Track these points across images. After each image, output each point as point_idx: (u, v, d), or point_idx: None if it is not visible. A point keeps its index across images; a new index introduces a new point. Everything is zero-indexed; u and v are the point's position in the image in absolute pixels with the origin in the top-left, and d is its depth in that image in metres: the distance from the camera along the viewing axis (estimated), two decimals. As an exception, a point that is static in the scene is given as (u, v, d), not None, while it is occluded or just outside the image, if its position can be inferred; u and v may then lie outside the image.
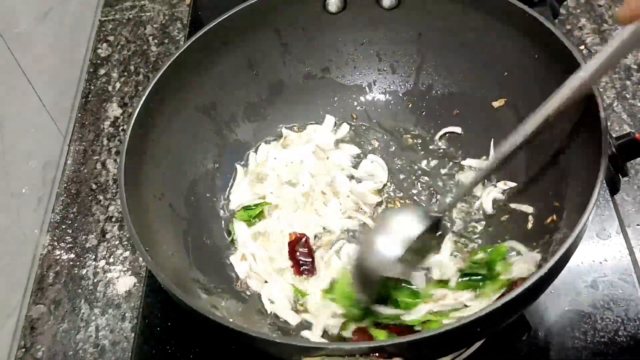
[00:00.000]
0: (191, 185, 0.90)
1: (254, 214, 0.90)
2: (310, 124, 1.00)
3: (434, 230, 0.77)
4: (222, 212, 0.92)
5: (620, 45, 0.62)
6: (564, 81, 0.77)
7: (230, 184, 0.95)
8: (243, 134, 0.97)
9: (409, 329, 0.75)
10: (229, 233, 0.90)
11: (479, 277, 0.78)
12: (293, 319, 0.81)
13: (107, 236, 1.03)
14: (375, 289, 0.77)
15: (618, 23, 0.61)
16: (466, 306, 0.76)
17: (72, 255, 1.02)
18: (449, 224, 0.87)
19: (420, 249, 0.76)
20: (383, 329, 0.75)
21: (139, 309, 0.92)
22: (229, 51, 0.92)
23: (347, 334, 0.77)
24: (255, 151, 0.98)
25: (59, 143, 1.15)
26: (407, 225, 0.74)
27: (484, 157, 0.92)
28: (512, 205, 0.85)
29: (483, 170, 0.77)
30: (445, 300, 0.77)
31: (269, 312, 0.82)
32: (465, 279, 0.79)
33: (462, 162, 0.93)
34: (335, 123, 1.00)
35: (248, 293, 0.85)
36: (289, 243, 0.86)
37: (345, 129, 1.00)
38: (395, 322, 0.76)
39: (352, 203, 0.92)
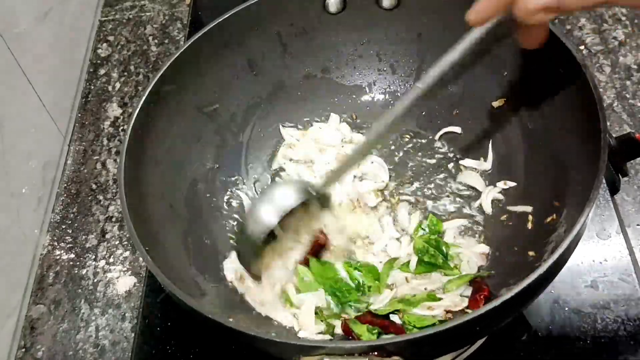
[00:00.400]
0: (191, 185, 0.90)
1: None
2: (316, 121, 1.00)
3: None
4: (222, 212, 0.92)
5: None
6: (563, 81, 0.78)
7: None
8: (243, 134, 0.97)
9: (386, 320, 0.77)
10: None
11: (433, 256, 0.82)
12: (285, 320, 0.80)
13: (107, 236, 1.03)
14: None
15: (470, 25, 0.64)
16: (437, 299, 0.78)
17: (72, 255, 1.02)
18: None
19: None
20: (363, 324, 0.76)
21: (139, 309, 0.92)
22: (229, 51, 0.92)
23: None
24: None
25: (59, 143, 1.15)
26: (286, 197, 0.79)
27: (482, 159, 0.92)
28: (511, 208, 0.85)
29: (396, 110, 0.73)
30: (409, 284, 0.81)
31: (263, 316, 0.81)
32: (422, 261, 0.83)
33: (461, 162, 0.93)
34: (339, 121, 1.00)
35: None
36: (314, 243, 0.86)
37: (345, 129, 1.00)
38: (363, 310, 0.79)
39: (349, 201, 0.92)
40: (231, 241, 0.89)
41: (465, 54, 0.66)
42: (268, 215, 0.78)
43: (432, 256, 0.83)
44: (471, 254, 0.83)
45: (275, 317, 0.80)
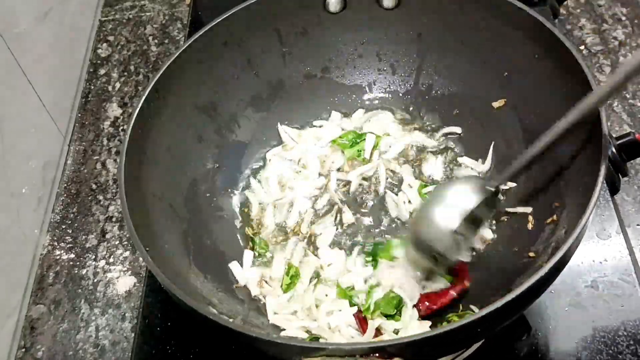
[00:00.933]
0: (191, 185, 0.90)
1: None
2: (318, 120, 1.00)
3: (491, 205, 0.76)
4: (222, 212, 0.92)
5: (631, 71, 0.62)
6: (563, 81, 0.78)
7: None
8: (243, 134, 0.97)
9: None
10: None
11: None
12: (297, 332, 0.80)
13: (107, 236, 1.03)
14: (428, 261, 0.77)
15: None
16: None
17: (72, 255, 1.02)
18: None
19: (474, 223, 0.75)
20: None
21: (139, 309, 0.92)
22: (229, 51, 0.92)
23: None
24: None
25: (59, 143, 1.15)
26: (464, 197, 0.73)
27: (480, 160, 0.92)
28: (511, 209, 0.85)
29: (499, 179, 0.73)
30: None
31: (270, 323, 0.81)
32: None
33: (459, 159, 0.94)
34: (340, 118, 1.01)
35: (248, 295, 0.85)
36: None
37: (347, 124, 1.00)
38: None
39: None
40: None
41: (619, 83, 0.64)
42: (444, 217, 0.72)
43: None
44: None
45: (288, 327, 0.80)
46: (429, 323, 0.78)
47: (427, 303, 0.80)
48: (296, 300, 0.83)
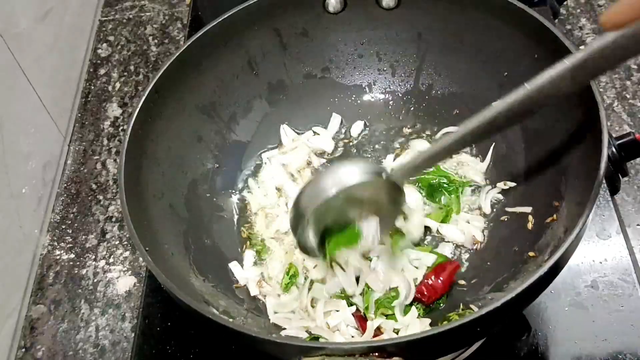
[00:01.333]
0: (191, 185, 0.90)
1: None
2: (318, 122, 1.00)
3: (392, 195, 0.75)
4: (222, 212, 0.92)
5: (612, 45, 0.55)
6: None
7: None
8: (243, 134, 0.97)
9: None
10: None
11: None
12: (298, 332, 0.79)
13: (107, 236, 1.03)
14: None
15: (604, 29, 0.53)
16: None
17: (72, 255, 1.02)
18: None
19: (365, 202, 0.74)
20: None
21: (139, 309, 0.92)
22: (229, 51, 0.92)
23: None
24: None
25: (59, 143, 1.15)
26: (352, 174, 0.72)
27: (479, 158, 0.92)
28: (510, 209, 0.85)
29: (445, 141, 0.69)
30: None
31: (271, 323, 0.81)
32: None
33: (457, 157, 0.94)
34: (341, 121, 1.01)
35: (248, 295, 0.85)
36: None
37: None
38: None
39: None
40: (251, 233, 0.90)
41: (590, 59, 0.57)
42: (326, 186, 0.71)
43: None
44: (466, 230, 0.86)
45: (289, 326, 0.79)
46: (429, 321, 0.78)
47: (426, 293, 0.80)
48: (295, 299, 0.83)
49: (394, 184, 0.73)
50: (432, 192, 0.90)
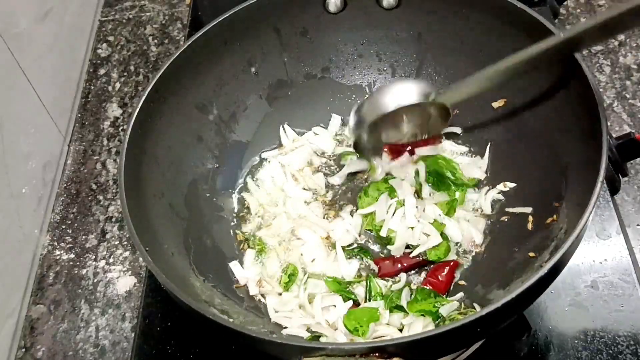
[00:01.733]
0: (191, 185, 0.90)
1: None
2: (318, 122, 1.00)
3: (437, 113, 0.84)
4: (222, 212, 0.92)
5: (609, 19, 0.62)
6: (563, 81, 0.78)
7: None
8: (243, 134, 0.97)
9: None
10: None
11: None
12: (298, 330, 0.80)
13: (107, 236, 1.03)
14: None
15: None
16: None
17: (72, 255, 1.02)
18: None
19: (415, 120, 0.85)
20: None
21: (139, 309, 0.92)
22: (229, 51, 0.92)
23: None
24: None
25: (59, 143, 1.15)
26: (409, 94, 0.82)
27: (478, 157, 0.92)
28: (510, 210, 0.85)
29: (488, 70, 0.77)
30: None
31: (272, 322, 0.81)
32: None
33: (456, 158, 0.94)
34: (342, 121, 1.01)
35: (248, 294, 0.85)
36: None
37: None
38: None
39: None
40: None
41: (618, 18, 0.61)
42: (384, 102, 0.82)
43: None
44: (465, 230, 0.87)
45: (290, 325, 0.80)
46: (430, 320, 0.78)
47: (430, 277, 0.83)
48: (295, 297, 0.83)
49: (441, 105, 0.83)
50: (438, 183, 0.91)
